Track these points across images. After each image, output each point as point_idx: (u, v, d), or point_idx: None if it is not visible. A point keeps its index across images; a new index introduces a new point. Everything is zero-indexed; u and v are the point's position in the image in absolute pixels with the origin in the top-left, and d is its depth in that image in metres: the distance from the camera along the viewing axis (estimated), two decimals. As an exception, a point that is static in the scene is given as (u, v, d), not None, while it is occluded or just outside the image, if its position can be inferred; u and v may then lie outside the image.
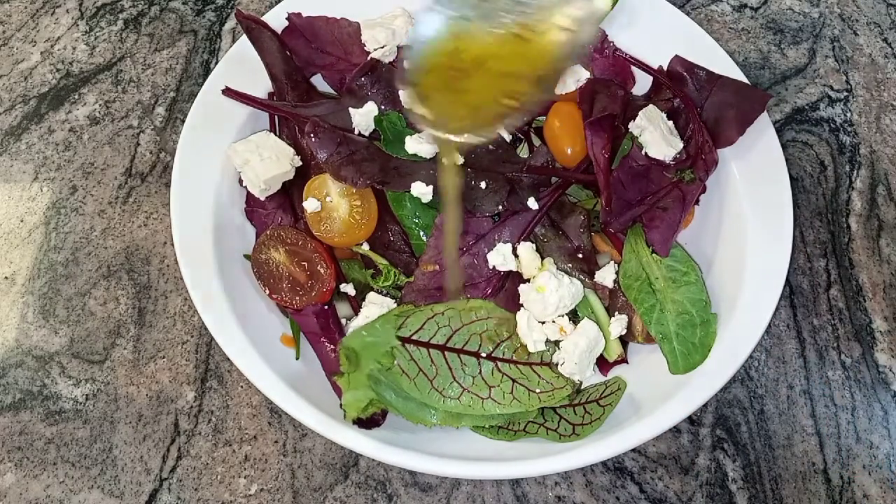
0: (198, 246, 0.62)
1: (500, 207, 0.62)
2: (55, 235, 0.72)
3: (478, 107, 0.54)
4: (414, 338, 0.57)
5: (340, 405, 0.55)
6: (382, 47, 0.70)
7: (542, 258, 0.62)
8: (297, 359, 0.61)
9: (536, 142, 0.69)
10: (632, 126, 0.66)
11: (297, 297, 0.61)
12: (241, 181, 0.66)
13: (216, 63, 0.79)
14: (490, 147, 0.66)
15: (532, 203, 0.62)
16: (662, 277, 0.62)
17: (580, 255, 0.63)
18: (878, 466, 0.63)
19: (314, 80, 0.72)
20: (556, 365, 0.59)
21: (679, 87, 0.68)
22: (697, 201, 0.67)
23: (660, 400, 0.57)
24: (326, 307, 0.61)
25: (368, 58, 0.69)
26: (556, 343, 0.60)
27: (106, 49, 0.84)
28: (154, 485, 0.62)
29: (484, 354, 0.58)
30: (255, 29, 0.69)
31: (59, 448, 0.63)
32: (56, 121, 0.79)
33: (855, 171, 0.77)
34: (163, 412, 0.65)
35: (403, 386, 0.55)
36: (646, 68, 0.71)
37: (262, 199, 0.65)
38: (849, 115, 0.81)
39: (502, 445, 0.58)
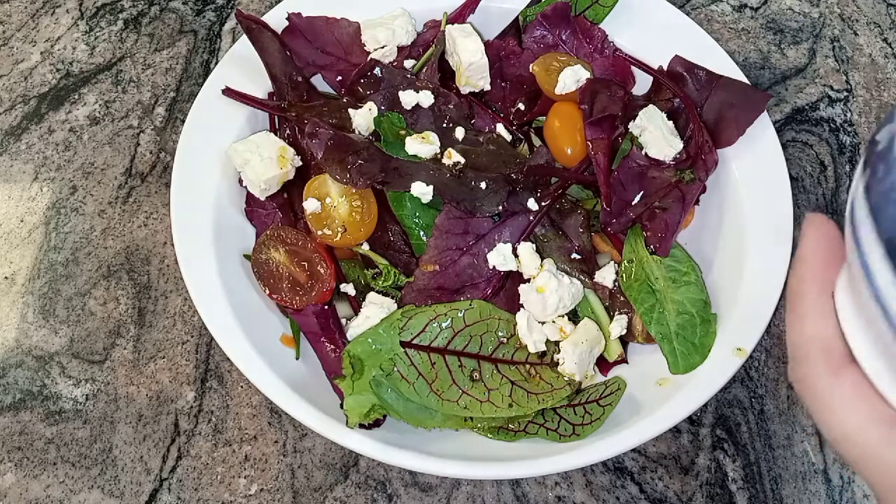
0: (198, 246, 0.62)
1: (500, 207, 0.62)
2: (55, 235, 0.72)
3: None
4: (415, 342, 0.57)
5: (341, 405, 0.55)
6: (383, 47, 0.70)
7: (542, 258, 0.62)
8: (297, 359, 0.61)
9: (536, 142, 0.69)
10: (632, 126, 0.66)
11: (297, 297, 0.61)
12: (241, 181, 0.66)
13: (216, 63, 0.79)
14: (490, 147, 0.66)
15: (532, 203, 0.62)
16: (662, 277, 0.62)
17: (580, 255, 0.63)
18: (878, 466, 0.63)
19: (314, 80, 0.72)
20: (556, 365, 0.59)
21: (679, 87, 0.68)
22: (697, 201, 0.67)
23: (660, 400, 0.57)
24: (326, 307, 0.61)
25: (368, 58, 0.70)
26: (556, 343, 0.60)
27: (106, 49, 0.84)
28: (154, 485, 0.62)
29: (484, 356, 0.58)
30: (255, 29, 0.69)
31: (59, 448, 0.63)
32: (56, 121, 0.79)
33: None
34: (163, 412, 0.65)
35: (402, 390, 0.55)
36: (646, 68, 0.71)
37: (262, 199, 0.65)
38: (849, 115, 0.81)
39: (502, 445, 0.58)
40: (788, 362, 0.35)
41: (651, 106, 0.67)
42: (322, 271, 0.61)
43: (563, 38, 0.72)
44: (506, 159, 0.65)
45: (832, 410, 0.33)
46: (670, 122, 0.67)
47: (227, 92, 0.67)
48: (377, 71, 0.68)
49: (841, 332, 0.34)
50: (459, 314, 0.58)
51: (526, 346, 0.59)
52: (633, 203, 0.64)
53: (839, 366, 0.33)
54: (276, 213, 0.65)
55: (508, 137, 0.68)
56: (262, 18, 0.70)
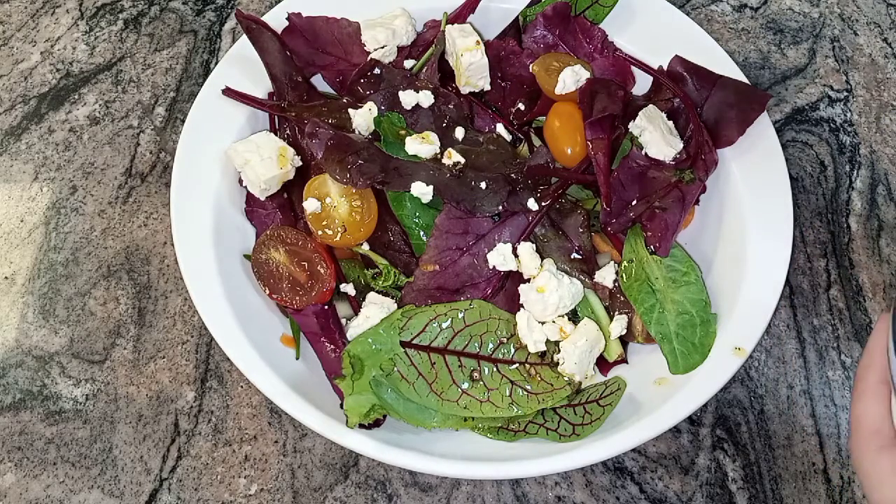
0: (198, 246, 0.62)
1: (500, 207, 0.62)
2: (55, 235, 0.72)
3: None
4: (415, 342, 0.57)
5: (341, 405, 0.55)
6: (382, 47, 0.70)
7: (542, 258, 0.62)
8: (297, 359, 0.61)
9: (536, 142, 0.69)
10: (632, 126, 0.66)
11: (297, 297, 0.61)
12: (241, 181, 0.66)
13: (216, 63, 0.79)
14: (490, 147, 0.66)
15: (532, 203, 0.62)
16: (662, 277, 0.62)
17: (580, 255, 0.63)
18: (878, 466, 0.63)
19: (314, 80, 0.72)
20: (556, 365, 0.59)
21: (679, 87, 0.68)
22: (697, 201, 0.67)
23: (660, 400, 0.57)
24: (326, 307, 0.61)
25: (368, 58, 0.70)
26: (556, 343, 0.60)
27: (106, 49, 0.84)
28: (154, 485, 0.62)
29: (484, 356, 0.58)
30: (255, 29, 0.69)
31: (59, 448, 0.63)
32: (56, 121, 0.79)
33: (855, 171, 0.77)
34: (163, 412, 0.65)
35: (402, 390, 0.55)
36: (646, 68, 0.71)
37: (262, 199, 0.65)
38: (849, 115, 0.81)
39: (502, 445, 0.58)
40: (850, 433, 0.41)
41: (651, 106, 0.67)
42: (322, 271, 0.61)
43: (563, 38, 0.72)
44: (506, 159, 0.65)
45: (873, 481, 0.38)
46: (670, 122, 0.67)
47: (227, 92, 0.67)
48: (377, 71, 0.68)
49: (892, 416, 0.39)
50: (459, 314, 0.58)
51: (526, 346, 0.59)
52: (633, 203, 0.64)
53: (884, 445, 0.38)
54: (276, 213, 0.65)
55: (508, 137, 0.68)
56: (262, 18, 0.70)
